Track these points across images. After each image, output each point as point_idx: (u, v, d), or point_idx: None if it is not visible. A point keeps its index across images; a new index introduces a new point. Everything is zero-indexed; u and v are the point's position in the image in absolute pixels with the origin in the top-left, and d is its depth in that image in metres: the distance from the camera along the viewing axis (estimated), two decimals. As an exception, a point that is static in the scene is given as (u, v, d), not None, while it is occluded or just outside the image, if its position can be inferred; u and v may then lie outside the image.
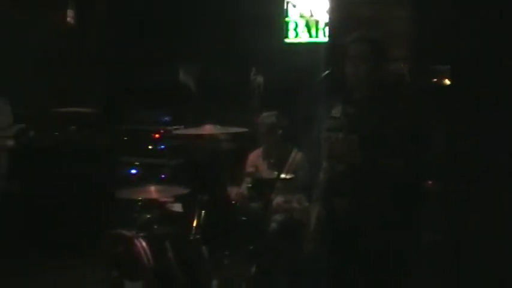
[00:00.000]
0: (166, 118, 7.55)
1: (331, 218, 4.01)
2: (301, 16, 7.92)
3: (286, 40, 7.93)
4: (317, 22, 7.86)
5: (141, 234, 5.20)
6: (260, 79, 7.54)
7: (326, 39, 7.64)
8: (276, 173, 5.06)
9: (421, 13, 5.98)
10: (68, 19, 8.97)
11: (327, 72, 4.06)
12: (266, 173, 5.44)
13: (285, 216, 5.49)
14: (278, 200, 5.38)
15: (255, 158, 6.01)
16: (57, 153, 7.46)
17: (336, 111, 4.02)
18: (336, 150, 3.90)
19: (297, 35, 7.92)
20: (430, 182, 4.59)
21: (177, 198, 5.64)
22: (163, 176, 7.02)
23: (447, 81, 5.64)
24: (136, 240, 5.13)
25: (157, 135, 7.34)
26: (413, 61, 6.10)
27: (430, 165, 4.11)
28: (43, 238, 7.02)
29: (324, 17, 7.80)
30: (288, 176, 4.74)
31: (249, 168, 5.98)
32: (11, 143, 4.86)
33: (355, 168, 3.84)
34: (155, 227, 5.35)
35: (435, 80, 5.79)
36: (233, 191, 5.76)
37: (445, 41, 5.30)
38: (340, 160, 3.91)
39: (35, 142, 4.93)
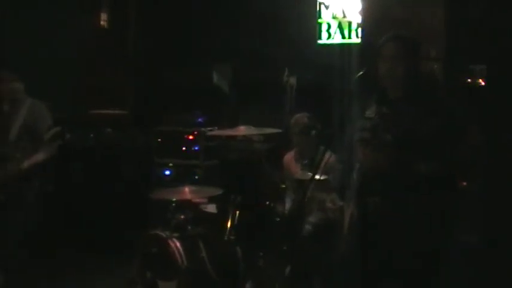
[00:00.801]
0: (200, 119, 7.56)
1: (365, 219, 4.00)
2: (334, 17, 7.89)
3: (319, 41, 7.91)
4: (350, 23, 7.82)
5: (175, 234, 5.23)
6: (293, 80, 7.52)
7: (359, 40, 7.63)
8: (310, 174, 5.05)
9: (456, 12, 5.94)
10: (102, 22, 9.04)
11: (361, 73, 4.04)
12: (300, 174, 5.44)
13: (318, 218, 5.49)
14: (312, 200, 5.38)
15: (289, 160, 6.02)
16: (92, 155, 7.56)
17: (370, 112, 4.01)
18: (370, 151, 3.89)
19: (329, 37, 7.89)
20: (464, 183, 4.56)
21: (211, 199, 5.67)
22: (196, 177, 7.05)
23: (482, 81, 5.60)
24: (170, 241, 5.15)
25: (191, 137, 7.36)
26: (448, 61, 6.07)
27: (465, 166, 4.07)
28: (78, 239, 7.10)
29: (356, 18, 7.76)
30: (321, 177, 4.73)
31: (284, 170, 6.00)
32: (49, 146, 4.90)
33: (389, 168, 3.83)
34: (189, 227, 5.38)
35: (470, 80, 5.74)
36: (267, 192, 5.77)
37: (480, 40, 5.27)
38: (373, 161, 3.89)
39: (71, 144, 4.98)
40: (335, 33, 7.87)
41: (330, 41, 7.87)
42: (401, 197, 3.82)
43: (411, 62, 3.94)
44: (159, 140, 7.53)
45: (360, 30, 7.65)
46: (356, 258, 4.07)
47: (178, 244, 5.13)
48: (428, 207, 3.78)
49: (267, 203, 5.55)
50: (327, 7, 7.94)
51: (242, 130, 5.40)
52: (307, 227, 5.44)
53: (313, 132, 5.75)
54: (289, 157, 6.02)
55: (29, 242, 5.18)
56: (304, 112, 5.96)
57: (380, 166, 3.87)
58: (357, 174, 4.05)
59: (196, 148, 7.31)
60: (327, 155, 5.27)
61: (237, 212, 5.29)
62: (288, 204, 5.55)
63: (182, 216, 5.40)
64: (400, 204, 3.83)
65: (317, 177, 4.44)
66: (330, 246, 5.24)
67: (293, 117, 5.96)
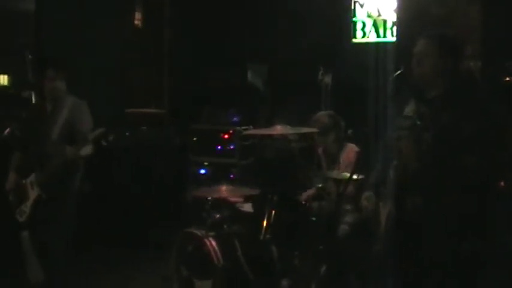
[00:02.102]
0: (235, 118, 7.58)
1: (402, 218, 3.98)
2: (369, 16, 7.86)
3: (354, 40, 7.89)
4: (385, 22, 7.78)
5: (211, 233, 5.25)
6: (328, 79, 7.50)
7: (394, 39, 7.60)
8: (346, 173, 5.04)
9: (492, 9, 5.89)
10: (136, 22, 9.11)
11: (398, 72, 4.02)
12: (336, 172, 5.43)
13: (355, 218, 5.48)
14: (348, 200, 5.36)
15: (319, 156, 6.01)
16: (128, 154, 7.62)
17: (409, 110, 3.99)
18: (408, 149, 3.87)
19: (364, 35, 7.86)
20: (502, 183, 4.51)
21: (247, 198, 5.68)
22: (232, 176, 7.07)
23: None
24: (206, 239, 5.17)
25: (226, 135, 7.38)
26: (485, 59, 6.01)
27: (503, 165, 4.03)
28: (114, 236, 7.17)
29: (391, 16, 7.72)
30: (358, 176, 4.71)
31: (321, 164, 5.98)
32: (91, 146, 4.94)
33: (427, 167, 3.80)
34: (225, 226, 5.39)
35: (508, 78, 5.69)
36: (303, 191, 5.77)
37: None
38: (412, 159, 3.87)
39: (108, 143, 5.03)
40: (370, 31, 7.84)
41: (364, 40, 7.85)
42: (439, 196, 3.80)
43: (449, 60, 3.91)
44: (195, 138, 7.57)
45: (395, 28, 7.62)
46: (393, 258, 4.05)
47: (214, 243, 5.15)
48: (466, 208, 3.75)
49: (303, 202, 5.55)
50: (361, 5, 7.92)
51: (279, 129, 5.39)
52: (344, 226, 5.43)
53: (333, 131, 5.72)
54: (319, 152, 6.00)
55: (69, 239, 5.25)
56: (330, 110, 5.94)
57: (418, 165, 3.84)
58: (394, 173, 4.04)
59: (231, 147, 7.33)
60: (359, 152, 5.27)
61: (273, 211, 5.29)
62: (323, 204, 5.53)
63: (218, 215, 5.42)
64: (438, 204, 3.81)
65: (354, 176, 4.43)
66: (366, 245, 5.23)
67: (314, 116, 5.92)
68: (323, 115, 5.84)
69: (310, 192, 5.74)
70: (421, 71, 3.92)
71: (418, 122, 3.86)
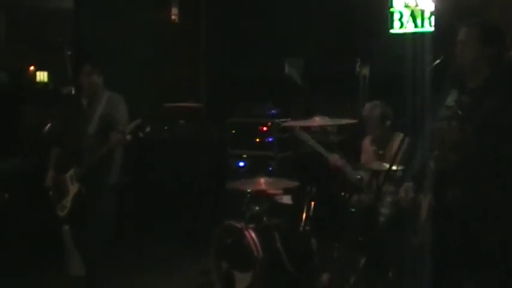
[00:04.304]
0: (273, 111, 7.56)
1: (443, 209, 3.94)
2: (406, 6, 7.77)
3: (391, 31, 7.81)
4: (422, 12, 7.67)
5: (251, 225, 5.27)
6: (365, 71, 7.45)
7: (432, 29, 7.51)
8: (385, 164, 5.01)
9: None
10: (173, 17, 9.15)
11: (437, 61, 3.98)
12: (376, 164, 5.40)
13: (391, 210, 5.44)
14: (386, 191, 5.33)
15: (366, 145, 5.98)
16: (167, 148, 7.67)
17: (450, 100, 3.95)
18: (450, 140, 3.83)
19: (402, 26, 7.77)
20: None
21: (286, 191, 5.68)
22: (270, 169, 7.06)
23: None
24: (245, 232, 5.19)
25: (264, 128, 7.36)
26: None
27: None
28: (153, 230, 7.23)
29: (429, 7, 7.63)
30: (398, 167, 4.68)
31: (362, 155, 5.95)
32: (128, 138, 4.98)
33: (469, 158, 3.76)
34: (264, 218, 5.41)
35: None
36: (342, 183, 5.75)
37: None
38: (453, 150, 3.83)
39: (146, 136, 5.08)
40: (407, 22, 7.75)
41: (402, 30, 7.76)
42: (480, 188, 3.75)
43: (490, 49, 3.85)
44: (233, 131, 7.57)
45: (432, 18, 7.53)
46: (432, 250, 4.01)
47: (253, 235, 5.17)
48: (507, 199, 3.70)
49: (342, 194, 5.54)
50: (399, -4, 7.85)
51: (317, 121, 5.38)
52: (381, 218, 5.40)
53: (388, 121, 5.69)
54: (366, 142, 5.97)
55: (108, 232, 5.30)
56: (377, 101, 5.90)
57: (459, 156, 3.80)
58: (435, 164, 3.99)
59: (270, 139, 7.32)
60: (402, 142, 5.23)
61: (312, 204, 5.29)
62: (363, 195, 5.51)
63: (257, 208, 5.44)
64: (478, 195, 3.76)
65: (393, 168, 4.40)
66: (404, 236, 5.20)
67: (367, 105, 5.90)
68: (374, 105, 5.81)
69: (348, 183, 5.70)
70: (462, 60, 3.87)
71: (459, 112, 3.82)
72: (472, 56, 3.83)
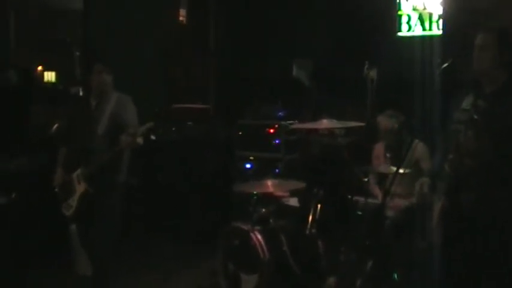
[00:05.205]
0: (280, 113, 7.56)
1: (457, 212, 3.93)
2: (414, 9, 7.77)
3: (399, 34, 7.81)
4: (430, 15, 7.68)
5: (257, 227, 5.27)
6: (373, 73, 7.44)
7: (440, 32, 7.51)
8: (392, 167, 5.01)
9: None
10: (181, 18, 9.16)
11: (446, 64, 3.98)
12: (383, 167, 5.40)
13: (395, 212, 5.44)
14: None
15: (378, 150, 5.98)
16: (175, 149, 7.67)
17: (467, 104, 3.95)
18: (465, 144, 3.82)
19: (410, 29, 7.77)
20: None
21: (293, 193, 5.68)
22: (278, 171, 7.05)
23: None
24: (252, 234, 5.19)
25: (272, 130, 7.36)
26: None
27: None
28: (161, 230, 7.23)
29: (437, 10, 7.63)
30: (405, 171, 4.68)
31: (374, 160, 5.96)
32: (140, 141, 4.98)
33: (485, 162, 3.75)
34: (271, 220, 5.40)
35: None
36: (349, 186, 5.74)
37: None
38: (468, 154, 3.82)
39: (156, 137, 5.09)
40: (415, 25, 7.75)
41: (410, 33, 7.76)
42: (494, 192, 3.75)
43: (507, 54, 3.86)
44: (240, 133, 7.58)
45: (440, 21, 7.53)
46: (444, 253, 4.01)
47: (260, 237, 5.17)
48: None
49: (349, 197, 5.53)
50: (407, -1, 7.85)
51: (325, 123, 5.37)
52: (387, 222, 5.40)
53: (399, 128, 5.71)
54: (379, 148, 5.98)
55: (115, 232, 5.30)
56: (386, 110, 5.93)
57: (474, 160, 3.80)
58: (449, 167, 3.97)
59: (277, 141, 7.31)
60: (414, 145, 5.23)
61: (319, 206, 5.28)
62: (369, 198, 5.50)
63: (264, 209, 5.44)
64: (493, 200, 3.76)
65: (401, 170, 4.40)
66: (411, 240, 5.20)
67: (381, 118, 5.93)
68: (386, 116, 5.87)
69: (356, 186, 5.69)
70: (479, 65, 3.89)
71: (475, 117, 3.82)
72: (489, 61, 3.84)
